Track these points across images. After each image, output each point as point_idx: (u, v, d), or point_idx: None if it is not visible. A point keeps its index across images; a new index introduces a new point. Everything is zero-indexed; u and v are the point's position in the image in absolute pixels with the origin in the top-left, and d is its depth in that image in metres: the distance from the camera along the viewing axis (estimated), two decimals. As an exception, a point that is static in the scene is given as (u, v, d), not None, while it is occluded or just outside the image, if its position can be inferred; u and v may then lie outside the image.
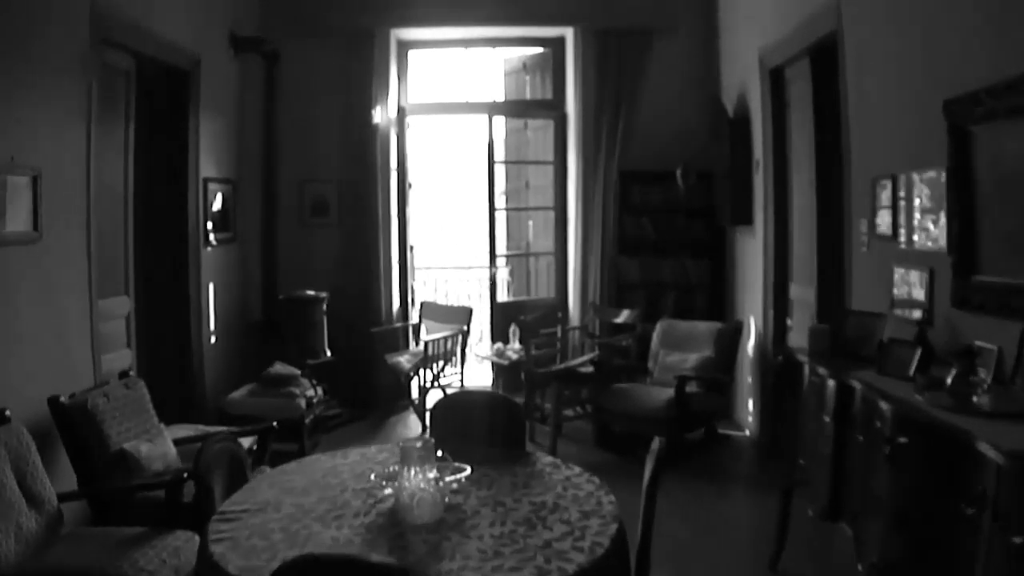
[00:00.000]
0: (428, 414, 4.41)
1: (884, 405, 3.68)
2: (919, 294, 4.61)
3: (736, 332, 7.72)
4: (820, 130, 6.42)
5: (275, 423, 6.05)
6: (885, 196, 5.05)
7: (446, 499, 3.15)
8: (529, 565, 2.73)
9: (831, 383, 4.34)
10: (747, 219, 8.00)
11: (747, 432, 8.08)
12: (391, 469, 3.24)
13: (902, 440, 3.46)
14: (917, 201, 4.67)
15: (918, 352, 4.05)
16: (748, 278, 8.15)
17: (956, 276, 4.23)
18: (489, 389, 3.79)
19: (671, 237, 9.16)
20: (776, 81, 7.26)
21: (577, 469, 3.73)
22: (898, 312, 4.81)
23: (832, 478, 4.31)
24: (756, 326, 7.81)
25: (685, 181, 8.66)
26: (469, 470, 3.34)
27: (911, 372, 3.99)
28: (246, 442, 6.00)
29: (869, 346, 4.59)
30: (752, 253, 7.93)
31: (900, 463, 3.47)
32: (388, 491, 3.17)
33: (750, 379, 7.99)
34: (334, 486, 3.47)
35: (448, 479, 3.18)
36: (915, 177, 4.68)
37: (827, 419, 4.31)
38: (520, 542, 2.91)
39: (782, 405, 5.10)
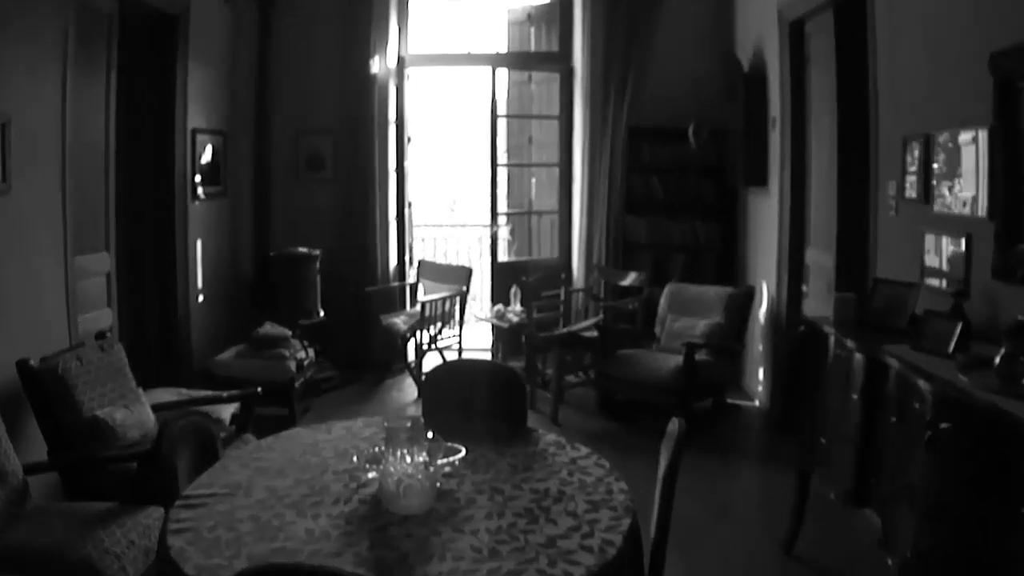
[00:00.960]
0: (422, 382, 4.01)
1: (924, 385, 3.33)
2: (955, 263, 4.24)
3: (748, 298, 7.38)
4: (843, 87, 6.05)
5: (259, 388, 5.71)
6: (917, 157, 4.68)
7: (437, 485, 2.80)
8: (530, 568, 2.38)
9: (859, 357, 4.00)
10: (761, 180, 7.64)
11: (756, 402, 7.76)
12: (376, 449, 2.90)
13: (944, 425, 3.11)
14: (954, 162, 4.30)
15: (958, 327, 3.69)
16: (761, 241, 7.80)
17: (998, 244, 3.88)
18: (489, 358, 3.57)
19: (680, 197, 8.79)
20: (795, 35, 6.88)
21: (584, 450, 3.39)
22: (929, 282, 4.46)
23: (858, 461, 3.98)
24: (768, 292, 7.47)
25: (697, 139, 8.27)
26: (464, 451, 2.99)
27: (950, 349, 3.63)
28: (229, 409, 5.72)
29: (899, 318, 4.24)
30: (766, 215, 7.56)
31: (941, 450, 3.13)
32: (372, 475, 2.83)
33: (761, 347, 7.66)
34: (313, 467, 3.13)
35: (440, 462, 2.83)
36: (952, 136, 4.31)
37: (854, 397, 3.96)
38: (520, 539, 2.56)
39: (800, 379, 4.75)
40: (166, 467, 2.88)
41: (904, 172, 4.84)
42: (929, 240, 4.50)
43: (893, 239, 5.09)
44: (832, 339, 4.35)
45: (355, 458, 2.92)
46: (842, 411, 4.15)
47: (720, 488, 6.04)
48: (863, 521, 4.09)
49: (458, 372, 4.02)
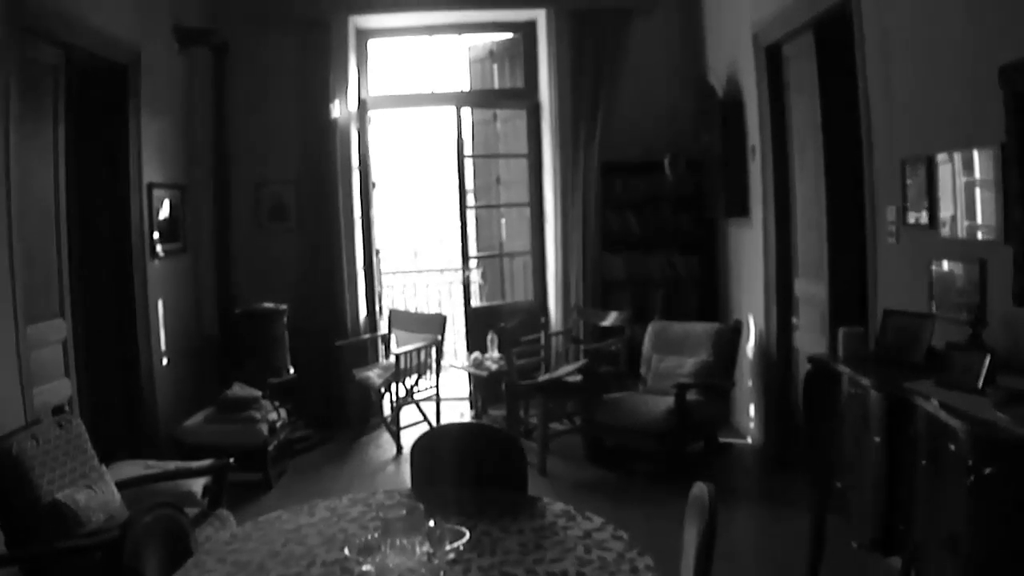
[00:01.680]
0: (410, 450, 3.69)
1: (958, 425, 3.05)
2: (969, 291, 3.98)
3: (735, 333, 7.12)
4: (828, 112, 5.82)
5: (231, 459, 5.33)
6: (918, 180, 4.43)
7: (441, 574, 2.48)
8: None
9: (876, 396, 3.72)
10: (742, 210, 7.40)
11: (749, 439, 7.48)
12: (369, 537, 2.57)
13: (989, 470, 2.83)
14: (961, 184, 4.06)
15: (987, 359, 3.42)
16: (745, 274, 7.55)
17: (1017, 269, 3.62)
18: (476, 421, 3.32)
19: (658, 231, 8.55)
20: (773, 60, 6.66)
21: (597, 520, 3.06)
22: (938, 311, 4.19)
23: (884, 508, 3.69)
24: (756, 325, 7.20)
25: (674, 171, 8.03)
26: (467, 535, 2.67)
27: (979, 383, 3.36)
28: (200, 481, 5.36)
29: (915, 351, 3.98)
30: (749, 247, 7.32)
31: (987, 497, 2.86)
32: (367, 568, 2.49)
33: (750, 382, 7.39)
34: (298, 559, 2.78)
35: (444, 550, 2.50)
36: (958, 157, 4.07)
37: (876, 439, 3.68)
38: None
39: (811, 420, 4.47)
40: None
41: (904, 197, 4.60)
42: (937, 267, 4.25)
43: (894, 268, 4.84)
44: (845, 377, 4.08)
45: (346, 550, 2.58)
46: (860, 453, 3.87)
47: (724, 533, 5.72)
48: (884, 569, 3.80)
49: (446, 438, 3.69)
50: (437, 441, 3.66)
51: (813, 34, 5.84)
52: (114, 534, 3.82)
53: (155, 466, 5.65)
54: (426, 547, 2.42)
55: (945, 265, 4.18)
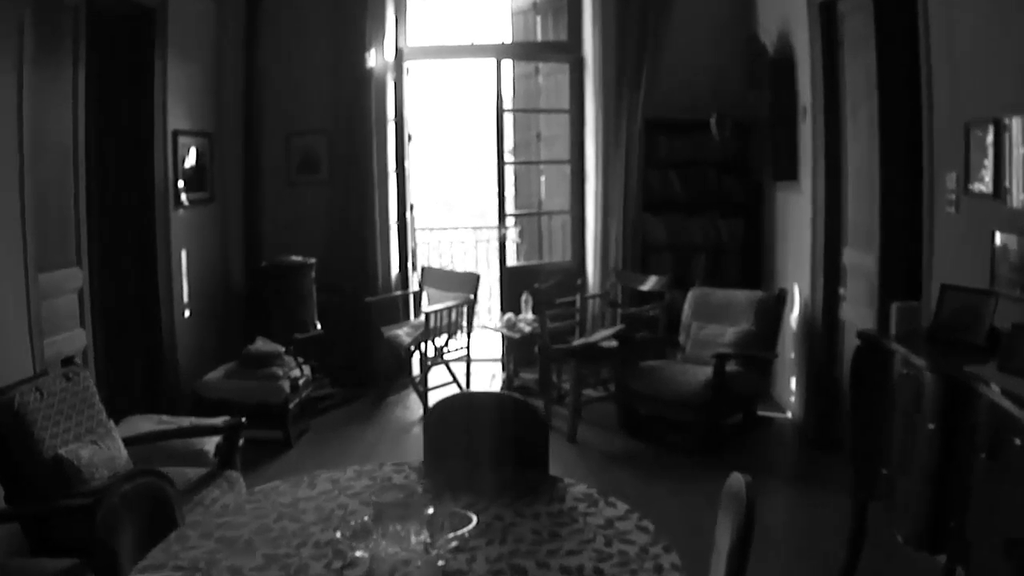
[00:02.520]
0: (423, 418, 3.44)
1: (1026, 419, 2.75)
2: (1039, 266, 3.66)
3: (779, 302, 6.81)
4: (884, 71, 5.45)
5: (243, 418, 5.12)
6: (984, 144, 4.09)
7: (441, 565, 2.23)
8: None
9: (932, 379, 3.41)
10: (791, 174, 7.04)
11: (789, 414, 7.18)
12: (365, 519, 2.33)
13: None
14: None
15: (1058, 345, 3.11)
16: (791, 241, 7.21)
17: (1093, 244, 3.30)
18: (500, 391, 3.13)
19: (702, 194, 8.21)
20: (827, 16, 6.27)
21: (622, 507, 2.77)
22: (1000, 289, 3.86)
23: (934, 500, 3.39)
24: (801, 295, 6.88)
25: (720, 131, 7.68)
26: (474, 521, 2.41)
27: (1049, 371, 3.06)
28: (212, 441, 5.18)
29: (975, 332, 3.66)
30: (796, 212, 6.98)
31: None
32: (360, 554, 2.24)
33: (793, 355, 7.08)
34: (290, 537, 2.54)
35: (446, 537, 2.25)
36: (1031, 119, 3.73)
37: (930, 426, 3.37)
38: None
39: (858, 399, 4.17)
40: (102, 556, 2.30)
41: (967, 163, 4.25)
42: (1002, 240, 3.91)
43: (953, 239, 4.50)
44: (897, 356, 3.77)
45: (338, 533, 2.33)
46: (911, 440, 3.57)
47: (761, 512, 5.45)
48: (929, 565, 3.53)
49: (464, 409, 3.41)
50: (453, 411, 3.41)
51: (872, -11, 5.47)
52: (86, 500, 3.62)
53: (169, 422, 5.55)
54: (423, 535, 2.17)
55: (1010, 239, 3.84)
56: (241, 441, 5.57)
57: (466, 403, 3.49)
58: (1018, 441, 2.77)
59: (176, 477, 4.31)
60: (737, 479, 2.42)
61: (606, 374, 7.45)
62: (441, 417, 3.40)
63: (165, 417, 5.66)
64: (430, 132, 11.84)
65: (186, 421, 5.56)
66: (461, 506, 2.60)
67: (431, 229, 11.61)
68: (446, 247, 11.78)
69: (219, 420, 5.25)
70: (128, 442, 4.67)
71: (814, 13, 6.33)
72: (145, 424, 5.40)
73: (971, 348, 3.59)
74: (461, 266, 10.95)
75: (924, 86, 4.69)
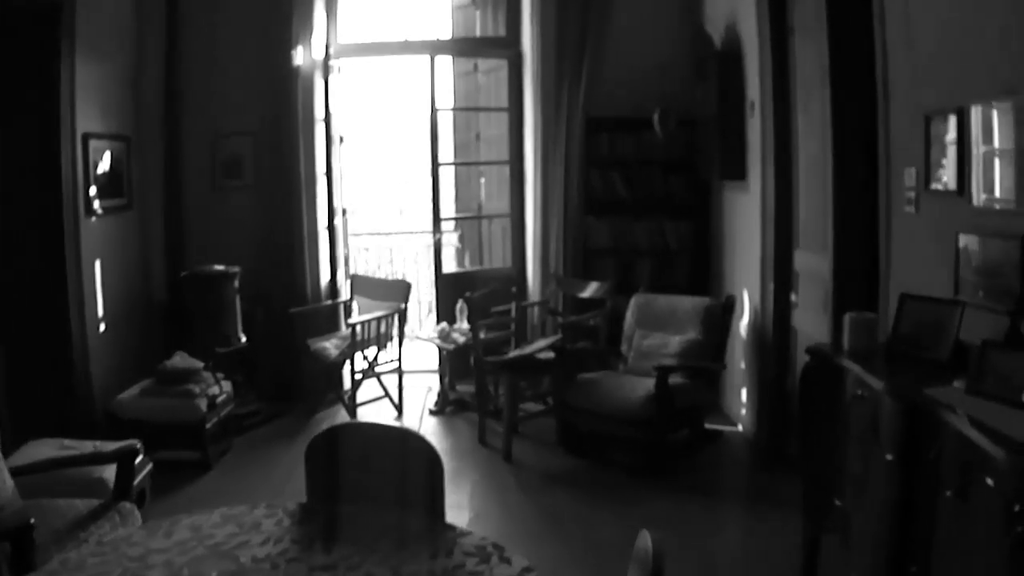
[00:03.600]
0: (306, 453, 2.97)
1: (1000, 455, 2.32)
2: (1007, 273, 3.21)
3: (727, 310, 6.38)
4: (837, 60, 5.04)
5: (138, 443, 4.69)
6: (945, 137, 3.68)
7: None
8: None
9: (889, 403, 2.98)
10: (739, 172, 6.65)
11: (740, 427, 6.78)
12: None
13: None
14: (1001, 142, 3.31)
15: (1034, 365, 2.69)
16: (740, 243, 6.81)
17: (1071, 246, 2.89)
18: (397, 424, 2.81)
19: (646, 194, 7.77)
20: (776, 3, 5.88)
21: (518, 565, 2.31)
22: (966, 298, 3.44)
23: (892, 541, 2.96)
24: (751, 301, 6.48)
25: (663, 128, 7.25)
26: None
27: (1024, 395, 2.64)
28: (111, 469, 4.64)
29: (939, 346, 3.26)
30: (745, 213, 6.58)
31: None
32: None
33: (743, 364, 6.68)
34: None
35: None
36: (999, 109, 3.31)
37: (888, 457, 2.95)
38: None
39: (808, 421, 3.74)
40: None
41: (927, 158, 3.84)
42: (966, 242, 3.49)
43: (913, 242, 4.09)
44: (850, 375, 3.34)
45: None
46: (867, 470, 3.15)
47: (708, 539, 5.03)
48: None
49: (350, 442, 2.95)
50: (338, 444, 2.95)
51: (824, -30, 5.06)
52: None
53: (71, 447, 5.09)
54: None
55: (977, 241, 3.41)
56: (148, 467, 5.29)
57: (352, 435, 3.02)
58: (990, 481, 2.35)
59: (66, 510, 4.00)
60: (644, 540, 1.96)
61: (546, 387, 7.01)
62: (323, 450, 2.94)
63: (67, 441, 5.21)
64: (370, 133, 11.35)
65: (90, 445, 5.12)
66: (332, 560, 2.15)
67: (370, 235, 11.11)
68: (386, 254, 11.28)
69: (115, 446, 4.75)
70: (17, 472, 4.20)
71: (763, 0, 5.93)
72: (45, 450, 4.98)
73: (934, 365, 3.18)
74: (408, 273, 10.49)
75: (880, 74, 4.30)
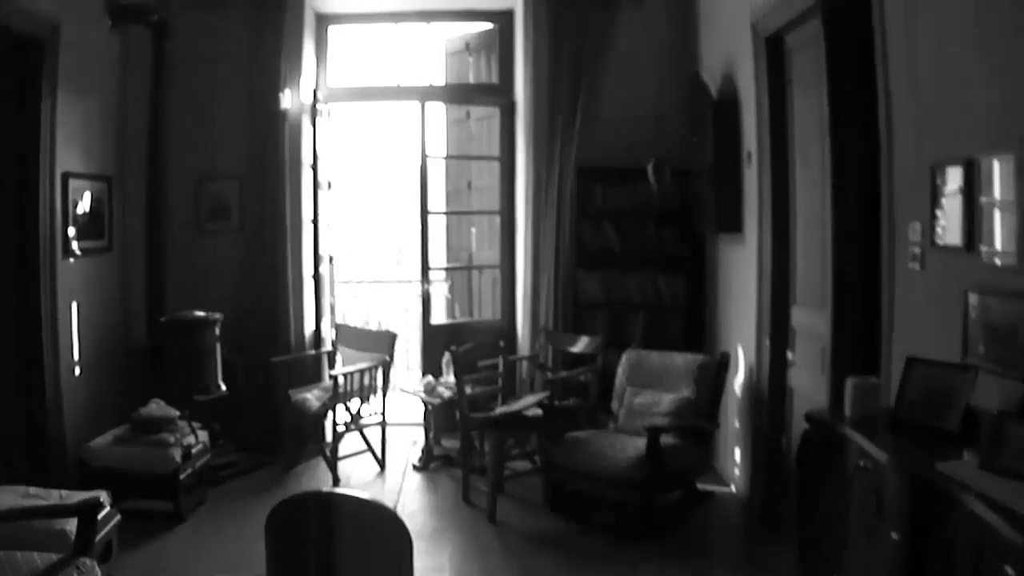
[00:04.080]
0: (266, 523, 2.73)
1: (1018, 540, 2.10)
2: (1023, 336, 2.99)
3: (722, 367, 6.16)
4: (837, 110, 4.85)
5: (101, 499, 4.43)
6: (952, 189, 3.48)
7: None
8: None
9: (896, 479, 2.75)
10: (735, 225, 6.46)
11: (733, 488, 6.53)
12: None
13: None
14: (1012, 194, 3.11)
15: (1054, 439, 2.46)
16: (735, 298, 6.60)
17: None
18: (368, 498, 2.67)
19: (640, 247, 7.56)
20: (774, 51, 5.73)
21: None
22: (978, 363, 3.21)
23: (900, 628, 2.73)
24: (746, 358, 6.26)
25: (658, 179, 7.07)
26: None
27: (1044, 472, 2.41)
28: (66, 523, 4.52)
29: (948, 415, 3.03)
30: (741, 267, 6.38)
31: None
32: None
33: (737, 423, 6.44)
34: None
35: None
36: (1009, 160, 3.12)
37: (894, 536, 2.72)
38: None
39: (810, 493, 3.51)
40: None
41: (933, 211, 3.65)
42: (977, 303, 3.27)
43: (918, 301, 3.87)
44: (852, 445, 3.11)
45: None
46: (871, 548, 2.91)
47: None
48: None
49: (314, 515, 2.71)
50: (301, 516, 2.71)
51: (821, 18, 4.88)
52: None
53: (37, 495, 4.92)
54: None
55: (987, 300, 3.20)
56: (115, 519, 5.11)
57: (317, 507, 2.77)
58: (1011, 571, 2.11)
59: (24, 565, 3.82)
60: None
61: (533, 445, 6.77)
62: (285, 522, 2.69)
63: (33, 490, 5.01)
64: (360, 179, 11.17)
65: (56, 494, 4.94)
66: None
67: (360, 283, 10.90)
68: (384, 303, 11.05)
69: (79, 497, 4.59)
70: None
71: (760, 48, 5.78)
72: (8, 498, 4.78)
73: (943, 436, 2.95)
74: (399, 322, 10.27)
75: (883, 124, 4.11)
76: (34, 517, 4.50)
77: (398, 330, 7.94)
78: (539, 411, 6.24)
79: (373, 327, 8.16)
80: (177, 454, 6.06)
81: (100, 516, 4.80)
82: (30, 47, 5.98)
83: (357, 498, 2.71)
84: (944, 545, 2.50)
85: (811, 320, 5.29)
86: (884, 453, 2.85)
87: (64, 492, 5.00)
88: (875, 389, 3.35)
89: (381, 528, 2.61)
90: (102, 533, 4.89)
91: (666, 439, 5.68)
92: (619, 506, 5.88)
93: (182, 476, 6.05)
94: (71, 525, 4.50)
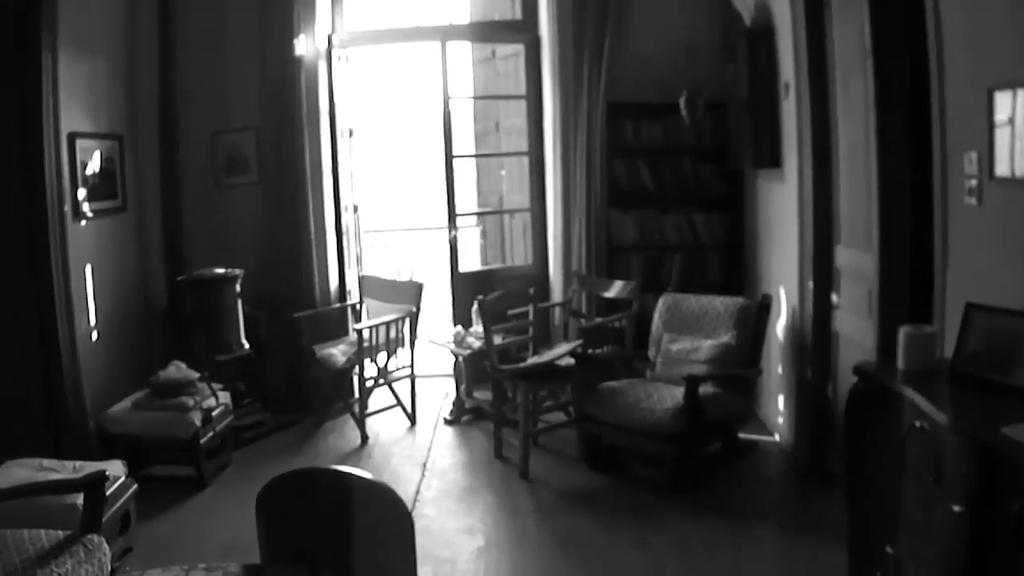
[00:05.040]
0: (256, 501, 2.49)
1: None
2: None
3: (763, 310, 5.84)
4: (880, 30, 4.48)
5: (106, 473, 4.23)
6: (1014, 114, 3.13)
7: None
8: None
9: (957, 443, 2.45)
10: (774, 160, 6.11)
11: (777, 437, 6.25)
12: None
13: None
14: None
15: None
16: (776, 238, 6.27)
17: None
18: (369, 477, 2.49)
19: (675, 185, 7.21)
20: (810, -30, 5.33)
21: None
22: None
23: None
24: (788, 301, 5.94)
25: (691, 113, 6.71)
26: None
27: None
28: (76, 496, 4.27)
29: (1015, 369, 2.70)
30: (782, 205, 6.04)
31: None
32: None
33: (780, 369, 6.14)
34: None
35: None
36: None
37: (956, 508, 2.42)
38: None
39: (860, 453, 3.21)
40: None
41: (992, 140, 3.29)
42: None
43: (976, 239, 3.53)
44: (907, 403, 2.80)
45: None
46: (927, 518, 2.62)
47: (734, 563, 4.54)
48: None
49: (307, 493, 2.47)
50: (294, 494, 2.48)
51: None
52: None
53: (50, 467, 4.78)
54: None
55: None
56: (132, 488, 4.92)
57: (310, 485, 2.53)
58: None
59: (30, 544, 3.64)
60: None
61: (568, 396, 6.51)
62: (277, 500, 2.47)
63: (46, 462, 4.85)
64: (384, 125, 10.85)
65: (70, 466, 4.79)
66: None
67: (387, 231, 10.66)
68: (413, 250, 10.80)
69: (90, 469, 4.42)
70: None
71: (794, -32, 5.39)
72: (21, 471, 4.65)
73: (1010, 392, 2.63)
74: (429, 271, 10.02)
75: (932, 43, 3.74)
76: (38, 494, 4.31)
77: (432, 278, 7.70)
78: (572, 361, 5.97)
79: (402, 278, 7.88)
80: (197, 418, 5.87)
81: (114, 487, 4.70)
82: (27, 3, 5.68)
83: (351, 475, 2.46)
84: (1014, 520, 2.20)
85: (857, 261, 4.95)
86: (943, 414, 2.54)
87: (78, 463, 4.86)
88: (931, 339, 3.01)
89: (380, 506, 2.36)
90: (118, 504, 4.74)
91: (705, 388, 5.41)
92: (657, 459, 5.62)
93: (203, 440, 5.88)
94: (81, 499, 4.37)
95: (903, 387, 2.82)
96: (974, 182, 3.47)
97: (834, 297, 5.35)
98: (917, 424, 2.70)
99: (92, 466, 4.65)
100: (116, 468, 4.87)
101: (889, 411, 2.96)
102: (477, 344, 6.68)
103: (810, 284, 5.46)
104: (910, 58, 4.13)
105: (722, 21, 6.84)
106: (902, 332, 3.06)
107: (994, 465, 2.30)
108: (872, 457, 3.10)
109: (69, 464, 4.85)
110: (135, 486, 4.97)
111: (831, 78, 5.28)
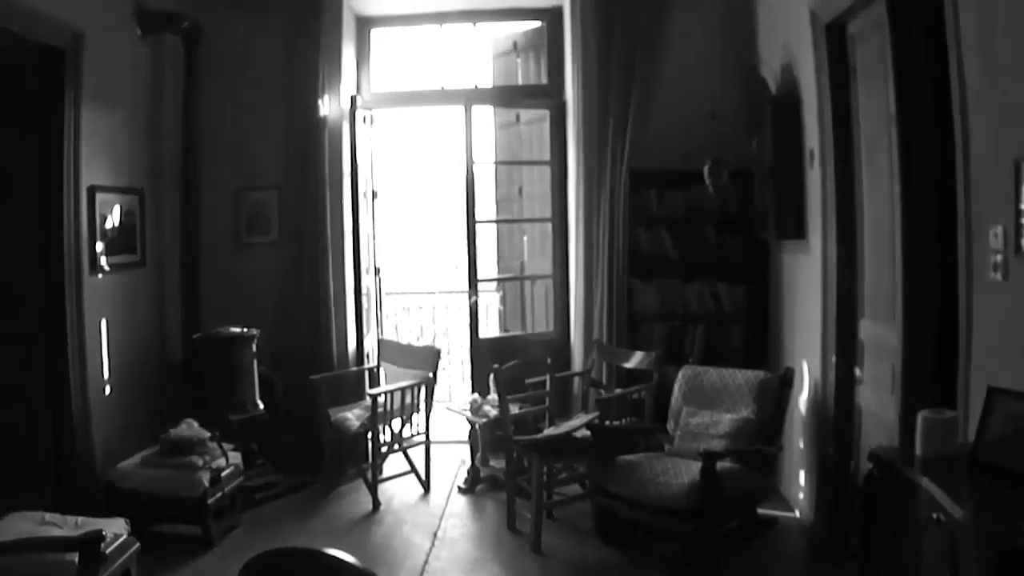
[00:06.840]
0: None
1: None
2: None
3: (785, 384, 5.67)
4: (905, 102, 4.37)
5: (103, 532, 4.16)
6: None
7: None
8: None
9: (976, 540, 2.29)
10: (798, 231, 5.99)
11: (797, 513, 6.06)
12: None
13: None
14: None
15: None
16: (800, 310, 6.12)
17: None
18: (349, 560, 2.39)
19: (698, 255, 7.08)
20: (835, 40, 5.26)
21: None
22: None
23: None
24: (811, 375, 5.78)
25: (715, 181, 6.58)
26: None
27: None
28: (68, 555, 4.21)
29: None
30: (806, 276, 5.90)
31: None
32: None
33: (802, 443, 5.97)
34: None
35: None
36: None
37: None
38: None
39: (874, 541, 3.05)
40: None
41: (1019, 213, 3.17)
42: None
43: (1002, 316, 3.39)
44: (924, 493, 2.65)
45: None
46: (946, 616, 2.46)
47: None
48: None
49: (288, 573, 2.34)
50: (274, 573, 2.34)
51: (887, 2, 4.41)
52: None
53: (52, 522, 4.74)
54: None
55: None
56: (134, 547, 4.81)
57: (290, 566, 2.40)
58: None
59: None
60: None
61: (583, 468, 6.35)
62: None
63: (48, 516, 4.80)
64: (408, 188, 10.81)
65: (72, 521, 4.74)
66: None
67: (408, 294, 10.57)
68: (428, 315, 10.68)
69: (89, 527, 4.43)
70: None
71: (820, 36, 5.31)
72: (23, 525, 4.61)
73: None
74: (451, 335, 9.93)
75: (958, 115, 3.62)
76: (33, 551, 4.26)
77: (453, 343, 7.59)
78: (588, 432, 5.82)
79: (421, 342, 7.77)
80: (205, 477, 5.82)
81: (115, 545, 4.60)
82: (52, 57, 5.77)
83: (340, 560, 2.33)
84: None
85: (880, 335, 4.80)
86: (959, 507, 2.38)
87: (80, 519, 4.78)
88: (951, 425, 2.86)
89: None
90: (118, 562, 4.63)
91: (724, 464, 5.22)
92: (673, 536, 5.44)
93: (211, 500, 5.81)
94: (74, 557, 4.28)
95: (920, 476, 2.66)
96: (999, 257, 3.34)
97: (857, 371, 5.19)
98: (934, 516, 2.55)
99: (94, 523, 4.62)
100: (118, 526, 4.79)
101: (907, 498, 2.80)
102: (493, 412, 6.55)
103: (833, 358, 5.31)
104: (937, 127, 4.02)
105: (747, 89, 6.76)
106: (920, 417, 2.91)
107: (1013, 562, 2.14)
108: (888, 544, 2.93)
109: (72, 519, 4.78)
110: (137, 545, 4.87)
111: (856, 147, 5.18)
